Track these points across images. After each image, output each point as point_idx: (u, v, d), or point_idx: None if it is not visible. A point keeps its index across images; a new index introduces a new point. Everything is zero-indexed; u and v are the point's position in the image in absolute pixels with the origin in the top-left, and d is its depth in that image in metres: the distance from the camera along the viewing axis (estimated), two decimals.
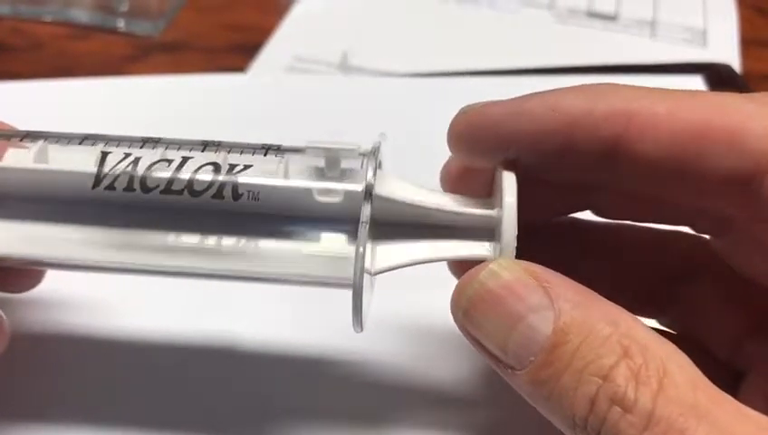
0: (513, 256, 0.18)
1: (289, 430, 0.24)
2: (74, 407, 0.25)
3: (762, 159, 0.17)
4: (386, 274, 0.21)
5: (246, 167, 0.21)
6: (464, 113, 0.20)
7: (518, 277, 0.18)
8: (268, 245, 0.21)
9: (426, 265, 0.21)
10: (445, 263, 0.23)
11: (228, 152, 0.21)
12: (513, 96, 0.20)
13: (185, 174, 0.21)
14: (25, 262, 0.23)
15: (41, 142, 0.22)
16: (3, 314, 0.23)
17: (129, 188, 0.21)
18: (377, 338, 0.26)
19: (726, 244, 0.21)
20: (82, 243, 0.21)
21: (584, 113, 0.18)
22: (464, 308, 0.18)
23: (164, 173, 0.21)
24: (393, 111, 0.37)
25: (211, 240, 0.21)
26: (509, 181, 0.19)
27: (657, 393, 0.16)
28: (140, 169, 0.21)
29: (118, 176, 0.21)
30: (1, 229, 0.21)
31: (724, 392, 0.16)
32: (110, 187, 0.21)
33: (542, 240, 0.21)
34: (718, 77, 0.39)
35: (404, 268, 0.21)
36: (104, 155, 0.21)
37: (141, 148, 0.21)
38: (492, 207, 0.20)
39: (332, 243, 0.20)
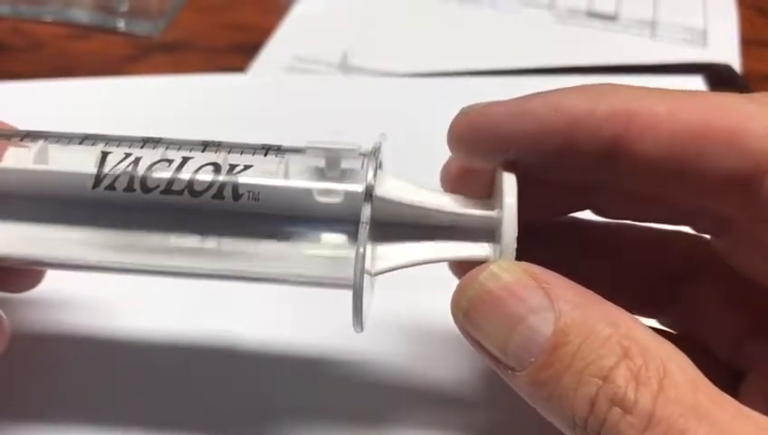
0: (514, 258, 0.18)
1: (289, 430, 0.24)
2: (74, 407, 0.25)
3: (762, 159, 0.17)
4: (386, 274, 0.21)
5: (247, 167, 0.21)
6: (464, 114, 0.20)
7: (518, 279, 0.18)
8: (268, 245, 0.21)
9: (426, 265, 0.21)
10: (445, 263, 0.23)
11: (228, 152, 0.21)
12: (513, 96, 0.20)
13: (185, 174, 0.21)
14: (26, 262, 0.23)
15: (41, 142, 0.22)
16: (3, 314, 0.23)
17: (130, 188, 0.21)
18: (377, 338, 0.26)
19: (727, 244, 0.21)
20: (82, 243, 0.21)
21: (585, 113, 0.18)
22: (464, 309, 0.18)
23: (164, 173, 0.21)
24: (393, 112, 0.37)
25: (211, 240, 0.21)
26: (509, 183, 0.19)
27: (657, 394, 0.16)
28: (141, 170, 0.21)
29: (118, 176, 0.21)
30: (1, 229, 0.21)
31: (724, 393, 0.16)
32: (111, 187, 0.21)
33: (542, 240, 0.21)
34: (718, 77, 0.39)
35: (404, 269, 0.21)
36: (104, 155, 0.21)
37: (142, 148, 0.21)
38: (492, 209, 0.20)
39: (333, 243, 0.20)
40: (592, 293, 0.18)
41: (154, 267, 0.21)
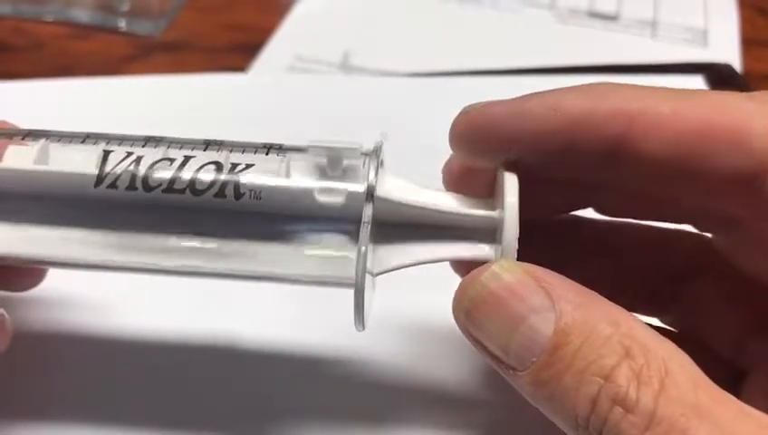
0: (515, 258, 0.19)
1: (289, 430, 0.24)
2: (75, 406, 0.25)
3: (764, 157, 0.17)
4: (386, 274, 0.21)
5: (248, 166, 0.21)
6: (465, 113, 0.20)
7: (519, 279, 0.18)
8: (269, 244, 0.21)
9: (427, 265, 0.21)
10: (446, 263, 0.23)
11: (230, 151, 0.21)
12: (514, 96, 0.20)
13: (187, 173, 0.21)
14: (27, 261, 0.23)
15: (42, 141, 0.22)
16: (5, 313, 0.23)
17: (132, 186, 0.21)
18: (377, 338, 0.26)
19: (729, 242, 0.21)
20: (84, 242, 0.21)
21: (586, 113, 0.18)
22: (465, 309, 0.18)
23: (166, 172, 0.21)
24: (394, 111, 0.37)
25: (212, 239, 0.21)
26: (510, 183, 0.19)
27: (658, 393, 0.16)
28: (142, 168, 0.21)
29: (120, 175, 0.21)
30: (3, 228, 0.21)
31: (725, 392, 0.16)
32: (112, 186, 0.21)
33: (544, 238, 0.21)
34: (719, 77, 0.39)
35: (405, 269, 0.21)
36: (106, 154, 0.21)
37: (143, 147, 0.21)
38: (493, 208, 0.20)
39: (334, 242, 0.20)
40: (593, 293, 0.18)
41: (155, 266, 0.21)
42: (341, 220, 0.20)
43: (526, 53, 0.42)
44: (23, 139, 0.22)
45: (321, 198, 0.20)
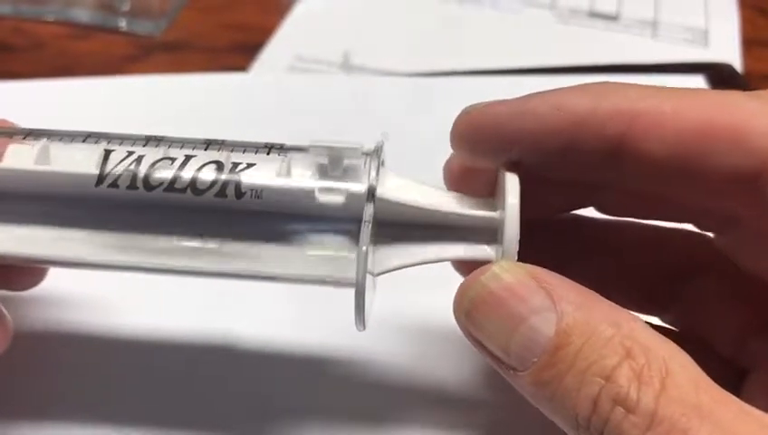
0: (516, 258, 0.19)
1: (289, 430, 0.24)
2: (75, 406, 0.25)
3: (766, 156, 0.17)
4: (387, 274, 0.21)
5: (249, 165, 0.21)
6: (466, 113, 0.20)
7: (520, 280, 0.18)
8: (270, 243, 0.21)
9: (427, 265, 0.21)
10: (448, 263, 0.23)
11: (231, 151, 0.21)
12: (514, 96, 0.20)
13: (188, 172, 0.21)
14: (28, 260, 0.23)
15: (43, 140, 0.22)
16: (6, 312, 0.23)
17: (133, 186, 0.20)
18: (377, 338, 0.26)
19: (731, 241, 0.21)
20: (85, 241, 0.21)
21: (588, 112, 0.18)
22: (466, 310, 0.18)
23: (167, 171, 0.21)
24: (395, 111, 0.37)
25: (213, 239, 0.21)
26: (511, 183, 0.19)
27: (659, 393, 0.16)
28: (143, 168, 0.21)
29: (121, 174, 0.21)
30: (4, 228, 0.21)
31: (726, 392, 0.16)
32: (113, 185, 0.21)
33: (544, 237, 0.21)
34: (720, 77, 0.39)
35: (406, 269, 0.21)
36: (107, 153, 0.21)
37: (144, 146, 0.21)
38: (494, 208, 0.20)
39: (335, 242, 0.20)
40: (594, 293, 0.18)
41: (156, 265, 0.21)
42: (342, 220, 0.20)
43: (527, 53, 0.42)
44: (24, 138, 0.22)
45: (322, 198, 0.20)
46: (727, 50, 0.43)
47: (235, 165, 0.21)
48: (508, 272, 0.18)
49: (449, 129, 0.21)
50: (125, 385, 0.26)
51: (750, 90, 0.19)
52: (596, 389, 0.16)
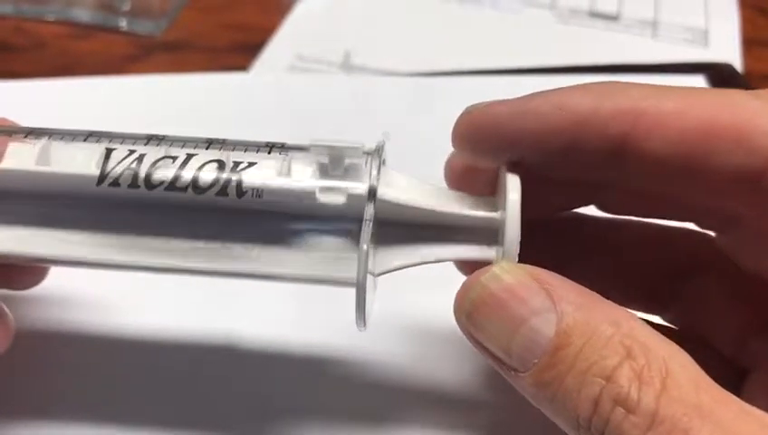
0: (516, 259, 0.19)
1: (289, 430, 0.24)
2: (75, 405, 0.25)
3: None
4: (388, 274, 0.21)
5: (250, 164, 0.21)
6: (468, 113, 0.20)
7: (520, 280, 0.18)
8: (271, 243, 0.21)
9: (428, 265, 0.21)
10: (449, 262, 0.23)
11: (232, 150, 0.21)
12: (515, 96, 0.20)
13: (189, 171, 0.21)
14: (29, 259, 0.23)
15: (45, 139, 0.22)
16: (8, 311, 0.23)
17: (134, 184, 0.20)
18: (378, 338, 0.26)
19: (732, 240, 0.21)
20: (86, 240, 0.21)
21: (591, 112, 0.18)
22: (467, 311, 0.18)
23: (168, 170, 0.21)
24: (395, 111, 0.37)
25: (214, 238, 0.21)
26: (512, 184, 0.19)
27: (660, 393, 0.16)
28: (145, 166, 0.21)
29: (122, 173, 0.21)
30: (5, 227, 0.21)
31: (727, 391, 0.16)
32: (115, 183, 0.21)
33: (545, 235, 0.21)
34: (720, 77, 0.39)
35: (406, 269, 0.21)
36: (108, 152, 0.21)
37: (146, 145, 0.21)
38: (495, 209, 0.20)
39: (336, 242, 0.20)
40: (594, 293, 0.18)
41: (157, 265, 0.21)
42: (343, 219, 0.20)
43: (527, 53, 0.42)
44: (25, 137, 0.22)
45: (323, 197, 0.20)
46: (727, 50, 0.43)
47: (237, 164, 0.21)
48: (508, 273, 0.18)
49: (450, 128, 0.21)
50: (126, 385, 0.26)
51: (750, 90, 0.19)
52: (597, 389, 0.16)
